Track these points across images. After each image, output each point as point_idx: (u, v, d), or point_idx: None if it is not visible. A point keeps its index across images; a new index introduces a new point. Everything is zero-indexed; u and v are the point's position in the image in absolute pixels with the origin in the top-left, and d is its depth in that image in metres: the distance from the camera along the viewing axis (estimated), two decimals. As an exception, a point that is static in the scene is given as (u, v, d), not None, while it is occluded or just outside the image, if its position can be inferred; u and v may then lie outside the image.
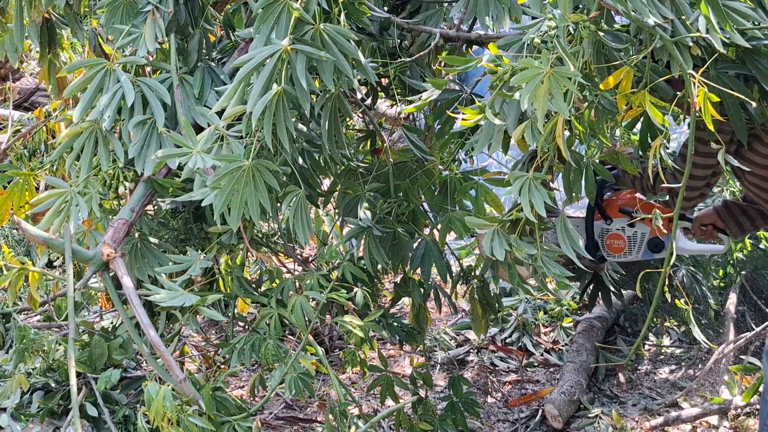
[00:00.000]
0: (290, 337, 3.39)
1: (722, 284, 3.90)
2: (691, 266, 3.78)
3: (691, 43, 1.74)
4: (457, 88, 2.32)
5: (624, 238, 2.97)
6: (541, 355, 3.93)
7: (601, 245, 3.06)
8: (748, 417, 3.16)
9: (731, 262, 3.86)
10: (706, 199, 3.18)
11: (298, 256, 3.18)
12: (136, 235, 2.37)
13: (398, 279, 2.81)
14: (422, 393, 2.94)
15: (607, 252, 3.03)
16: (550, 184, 2.10)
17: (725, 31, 1.75)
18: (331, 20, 1.99)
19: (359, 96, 2.54)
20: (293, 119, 1.96)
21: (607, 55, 1.84)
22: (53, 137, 3.63)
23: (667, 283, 1.98)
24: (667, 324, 3.92)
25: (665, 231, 2.86)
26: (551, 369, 3.81)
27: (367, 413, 2.83)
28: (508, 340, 4.01)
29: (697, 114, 1.72)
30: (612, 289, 3.43)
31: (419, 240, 2.55)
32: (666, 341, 3.89)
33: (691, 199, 2.68)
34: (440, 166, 2.51)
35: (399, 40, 2.46)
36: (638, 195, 2.93)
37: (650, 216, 2.85)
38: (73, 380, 2.03)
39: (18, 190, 2.45)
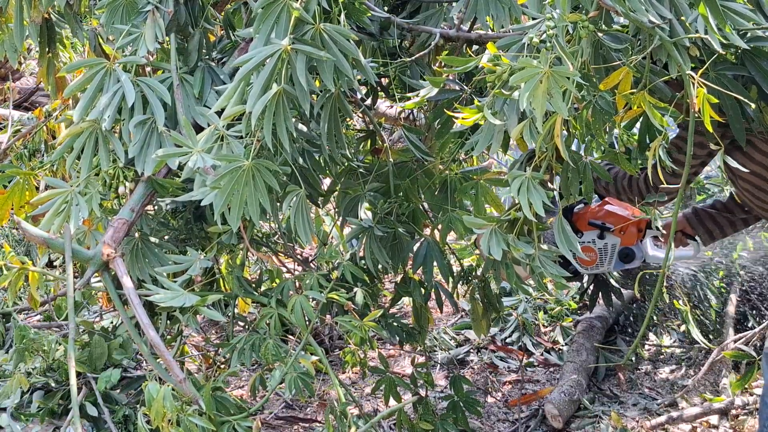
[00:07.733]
0: (290, 337, 3.39)
1: (722, 285, 3.89)
2: (691, 267, 3.78)
3: (689, 44, 1.74)
4: (457, 87, 2.32)
5: (595, 251, 2.97)
6: (541, 355, 3.93)
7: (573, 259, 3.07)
8: (748, 417, 3.16)
9: (734, 261, 3.86)
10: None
11: (298, 256, 3.19)
12: (137, 234, 2.38)
13: (398, 279, 2.81)
14: (423, 392, 2.94)
15: (579, 265, 3.03)
16: (549, 183, 2.10)
17: (724, 31, 1.75)
18: (331, 20, 1.99)
19: (359, 96, 2.54)
20: (293, 119, 1.96)
21: (605, 55, 1.84)
22: (53, 137, 3.63)
23: (666, 283, 1.99)
24: (667, 324, 3.92)
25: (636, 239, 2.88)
26: (551, 369, 3.81)
27: (368, 413, 2.84)
28: (508, 340, 4.02)
29: (696, 115, 1.72)
30: (612, 288, 3.43)
31: (421, 240, 2.55)
32: (666, 341, 3.89)
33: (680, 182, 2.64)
34: (440, 166, 2.51)
35: (399, 40, 2.46)
36: (607, 207, 2.93)
37: (619, 227, 2.89)
38: (73, 380, 2.03)
39: (18, 190, 2.46)
